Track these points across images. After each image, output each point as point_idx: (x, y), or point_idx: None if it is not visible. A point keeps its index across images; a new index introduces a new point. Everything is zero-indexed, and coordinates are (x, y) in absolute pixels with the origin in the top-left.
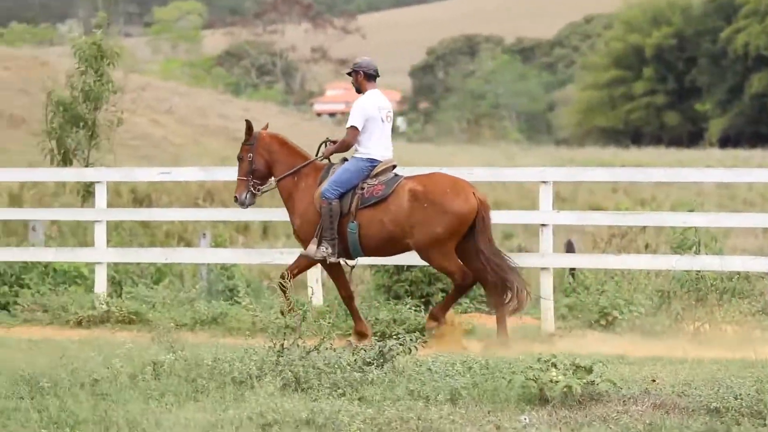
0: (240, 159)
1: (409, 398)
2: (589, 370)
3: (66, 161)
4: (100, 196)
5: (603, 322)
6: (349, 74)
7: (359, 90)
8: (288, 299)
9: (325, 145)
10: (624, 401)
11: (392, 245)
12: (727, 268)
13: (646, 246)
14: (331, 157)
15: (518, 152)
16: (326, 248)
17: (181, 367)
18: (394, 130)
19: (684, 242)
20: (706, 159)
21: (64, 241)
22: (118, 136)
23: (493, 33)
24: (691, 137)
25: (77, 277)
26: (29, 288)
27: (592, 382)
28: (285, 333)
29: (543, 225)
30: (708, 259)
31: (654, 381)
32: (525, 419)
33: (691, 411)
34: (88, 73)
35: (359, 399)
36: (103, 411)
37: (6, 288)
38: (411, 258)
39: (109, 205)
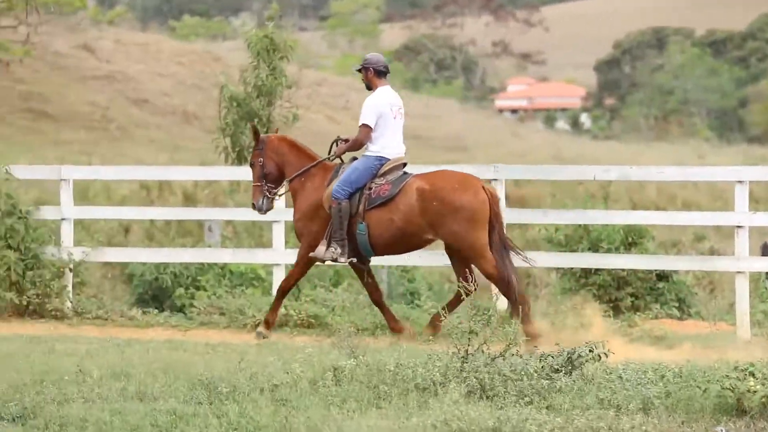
0: (252, 165)
1: (599, 407)
2: None
3: (240, 159)
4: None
5: None
6: (359, 71)
7: (369, 87)
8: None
9: (337, 144)
10: None
11: (404, 244)
12: None
13: None
14: (342, 157)
15: (709, 150)
16: (336, 249)
17: (362, 373)
18: (579, 126)
19: None
20: None
21: (240, 242)
22: (293, 132)
23: (683, 25)
24: None
25: (254, 278)
26: (205, 290)
27: None
28: (469, 338)
29: (738, 227)
30: None
31: None
32: (721, 430)
33: None
34: (261, 67)
35: (547, 407)
36: (284, 417)
37: (182, 290)
38: (597, 260)
39: (287, 205)
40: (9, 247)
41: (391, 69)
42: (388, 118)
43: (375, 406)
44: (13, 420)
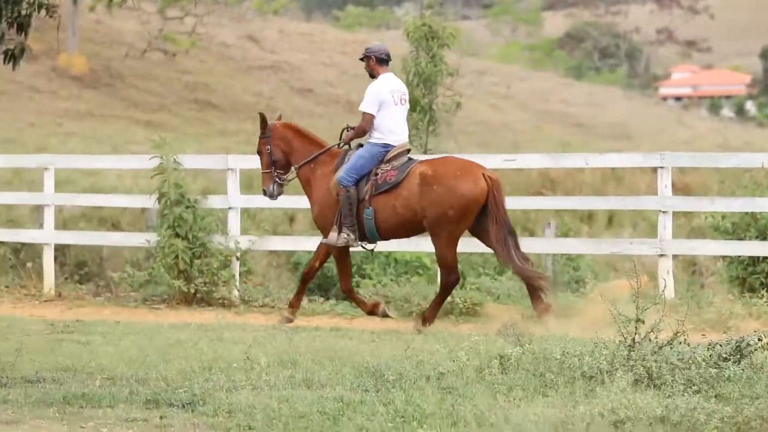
0: (259, 153)
1: None
2: None
3: None
4: None
5: None
6: (362, 60)
7: (372, 75)
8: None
9: (346, 131)
10: None
11: (407, 229)
12: None
13: None
14: (351, 143)
15: None
16: (347, 235)
17: (528, 361)
18: (744, 114)
19: None
20: None
21: None
22: (456, 122)
23: None
24: None
25: (419, 267)
26: (371, 279)
27: None
28: (636, 327)
29: None
30: None
31: None
32: None
33: None
34: (420, 55)
35: (716, 396)
36: (450, 405)
37: None
38: (765, 248)
39: None
40: (177, 235)
41: (553, 57)
42: (390, 105)
43: (541, 394)
44: (183, 406)
